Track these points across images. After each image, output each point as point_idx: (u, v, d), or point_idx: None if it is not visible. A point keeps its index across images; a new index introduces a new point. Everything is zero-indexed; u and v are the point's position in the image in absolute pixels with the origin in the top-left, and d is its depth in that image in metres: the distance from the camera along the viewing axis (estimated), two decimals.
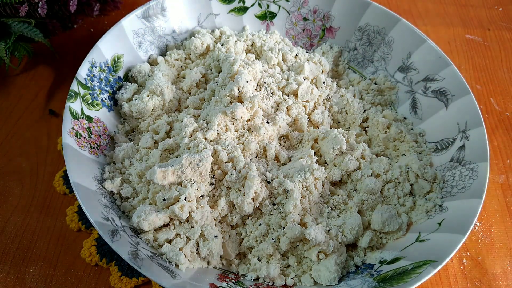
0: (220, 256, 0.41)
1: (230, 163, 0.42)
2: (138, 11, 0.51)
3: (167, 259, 0.38)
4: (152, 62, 0.53)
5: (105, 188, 0.42)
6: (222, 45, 0.54)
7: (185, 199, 0.39)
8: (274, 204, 0.42)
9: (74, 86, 0.45)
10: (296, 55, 0.54)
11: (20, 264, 0.43)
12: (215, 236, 0.40)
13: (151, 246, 0.39)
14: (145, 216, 0.39)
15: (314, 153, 0.46)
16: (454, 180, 0.44)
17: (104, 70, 0.48)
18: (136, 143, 0.47)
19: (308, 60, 0.54)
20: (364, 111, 0.52)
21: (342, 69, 0.58)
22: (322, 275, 0.39)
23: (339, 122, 0.52)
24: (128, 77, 0.51)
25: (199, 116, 0.48)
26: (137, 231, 0.40)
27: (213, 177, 0.42)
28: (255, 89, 0.49)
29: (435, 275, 0.36)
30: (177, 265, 0.38)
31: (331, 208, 0.44)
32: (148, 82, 0.49)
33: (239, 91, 0.46)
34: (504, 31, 0.69)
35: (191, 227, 0.40)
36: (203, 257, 0.40)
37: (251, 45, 0.56)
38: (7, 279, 0.42)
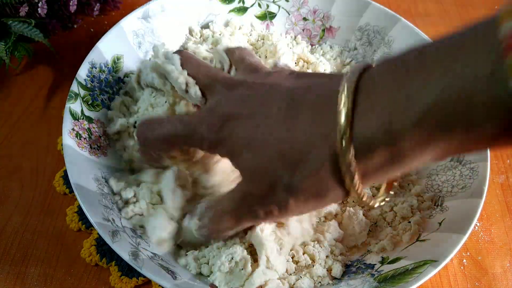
0: None
1: None
2: (138, 12, 0.51)
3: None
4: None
5: (108, 185, 0.42)
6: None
7: None
8: None
9: (74, 87, 0.45)
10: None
11: (20, 264, 0.43)
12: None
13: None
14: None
15: None
16: (454, 180, 0.44)
17: (104, 71, 0.48)
18: None
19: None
20: None
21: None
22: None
23: None
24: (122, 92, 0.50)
25: None
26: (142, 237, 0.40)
27: None
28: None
29: (435, 275, 0.36)
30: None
31: None
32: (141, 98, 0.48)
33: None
34: None
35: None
36: None
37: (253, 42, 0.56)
38: (7, 279, 0.42)
